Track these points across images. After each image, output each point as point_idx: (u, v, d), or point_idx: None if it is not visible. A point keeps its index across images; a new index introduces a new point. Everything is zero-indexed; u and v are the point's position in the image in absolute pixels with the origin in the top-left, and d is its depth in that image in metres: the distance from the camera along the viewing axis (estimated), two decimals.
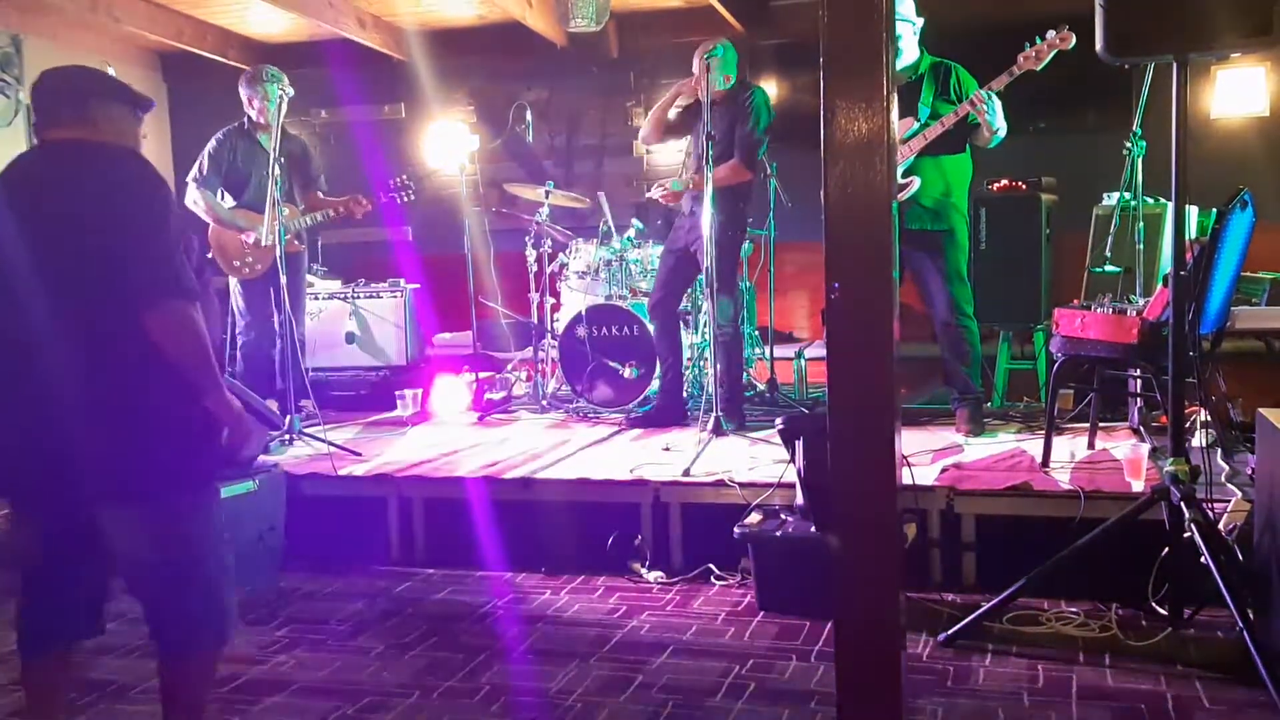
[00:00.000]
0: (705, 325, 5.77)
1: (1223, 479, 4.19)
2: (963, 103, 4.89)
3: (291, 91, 5.45)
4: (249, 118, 5.77)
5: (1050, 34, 4.69)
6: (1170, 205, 3.56)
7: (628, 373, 6.03)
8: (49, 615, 2.79)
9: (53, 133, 2.74)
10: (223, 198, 5.78)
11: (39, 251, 2.60)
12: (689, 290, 5.99)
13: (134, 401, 2.61)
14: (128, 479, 2.63)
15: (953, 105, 4.94)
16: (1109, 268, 5.40)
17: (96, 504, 2.66)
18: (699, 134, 5.16)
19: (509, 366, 7.18)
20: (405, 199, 6.09)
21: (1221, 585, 3.27)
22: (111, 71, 5.54)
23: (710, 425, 5.04)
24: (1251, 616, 3.26)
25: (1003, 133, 4.92)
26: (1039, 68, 4.74)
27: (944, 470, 4.52)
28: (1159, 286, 4.82)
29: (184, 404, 2.66)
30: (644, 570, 4.42)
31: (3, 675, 3.65)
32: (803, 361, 6.54)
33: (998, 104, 4.84)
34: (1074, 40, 4.62)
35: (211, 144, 5.75)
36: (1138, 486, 4.11)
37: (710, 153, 5.00)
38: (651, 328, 5.87)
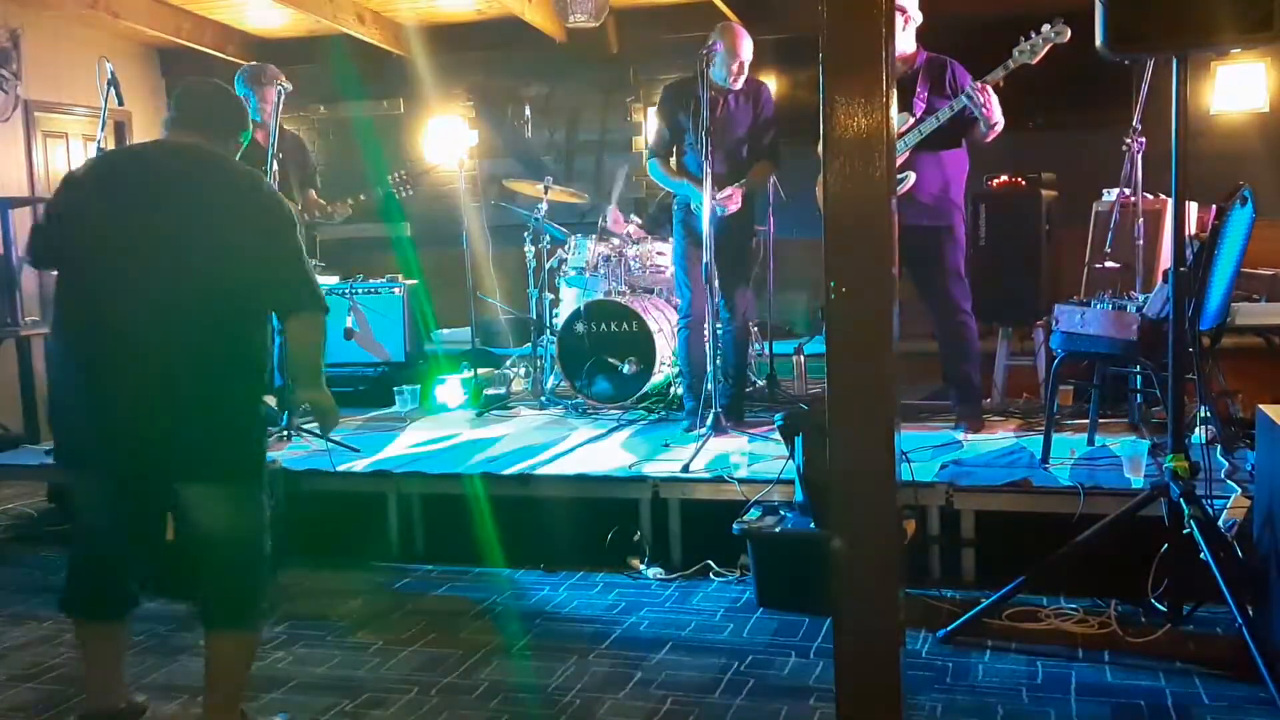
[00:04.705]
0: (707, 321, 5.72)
1: (1222, 475, 4.18)
2: (958, 98, 4.88)
3: (289, 87, 5.44)
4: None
5: (1045, 28, 4.68)
6: (1170, 201, 3.56)
7: (627, 368, 6.03)
8: (105, 583, 3.01)
9: (187, 136, 3.00)
10: None
11: (164, 242, 2.83)
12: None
13: (225, 393, 2.89)
14: (215, 459, 2.89)
15: (948, 100, 4.93)
16: (1109, 264, 5.39)
17: (183, 481, 2.91)
18: (703, 132, 5.07)
19: (508, 362, 7.19)
20: (404, 194, 6.08)
21: (1221, 582, 3.26)
22: (110, 68, 5.57)
23: (710, 422, 5.04)
24: (1251, 613, 3.26)
25: (1000, 128, 4.91)
26: (1034, 61, 4.73)
27: (943, 467, 4.51)
28: (1159, 283, 4.82)
29: (242, 392, 2.95)
30: (643, 566, 4.42)
31: (2, 672, 3.66)
32: (802, 358, 6.54)
33: (994, 98, 4.83)
34: (1069, 34, 4.62)
35: None
36: (1137, 483, 4.11)
37: (708, 147, 4.98)
38: (681, 331, 5.59)
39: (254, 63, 5.83)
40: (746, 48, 5.26)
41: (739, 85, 5.28)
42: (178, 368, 2.82)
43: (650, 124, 8.39)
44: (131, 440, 2.84)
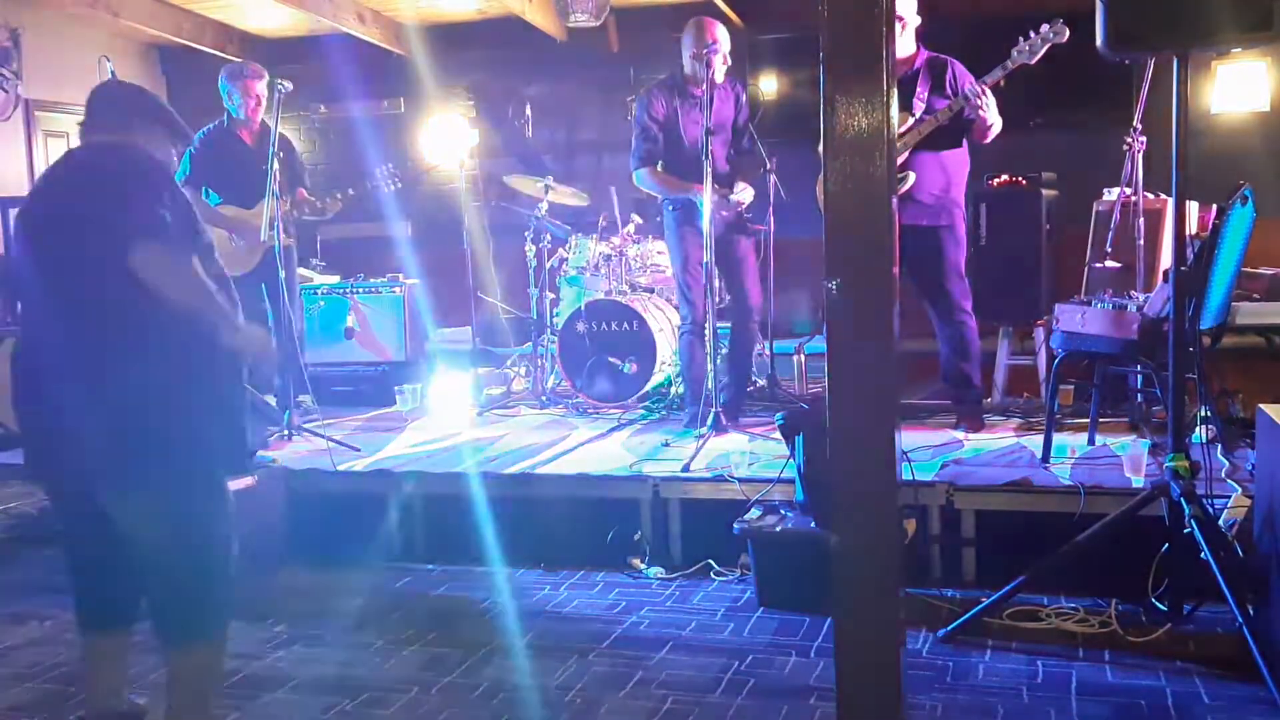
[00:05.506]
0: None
1: (1223, 475, 4.18)
2: (956, 98, 4.88)
3: (289, 86, 5.44)
4: (229, 114, 5.76)
5: (1044, 28, 4.68)
6: (1171, 200, 3.56)
7: (627, 368, 6.03)
8: (93, 595, 3.01)
9: (91, 136, 2.96)
10: (206, 196, 5.76)
11: (62, 247, 2.79)
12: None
13: (139, 393, 2.75)
14: (132, 467, 2.77)
15: (949, 100, 4.93)
16: (1109, 263, 5.39)
17: (105, 490, 2.81)
18: (702, 133, 5.07)
19: (508, 362, 7.18)
20: (391, 186, 6.08)
21: (1221, 581, 3.27)
22: (110, 67, 5.56)
23: (710, 421, 5.04)
24: (1251, 612, 3.26)
25: (997, 129, 4.91)
26: (1033, 62, 4.74)
27: (944, 466, 4.51)
28: (1159, 282, 4.82)
29: (188, 395, 2.80)
30: (643, 566, 4.42)
31: (2, 672, 3.66)
32: (802, 357, 6.54)
33: (992, 98, 4.83)
34: (1067, 34, 4.62)
35: (194, 143, 5.72)
36: (1138, 482, 4.11)
37: (708, 145, 4.98)
38: (683, 337, 5.50)
39: (242, 61, 5.84)
40: (726, 37, 5.27)
41: (721, 78, 5.27)
42: (112, 381, 2.75)
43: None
44: (76, 457, 2.78)
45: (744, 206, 5.37)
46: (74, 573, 3.05)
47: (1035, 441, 4.77)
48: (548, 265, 6.61)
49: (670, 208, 5.45)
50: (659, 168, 5.43)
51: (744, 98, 5.51)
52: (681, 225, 5.39)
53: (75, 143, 3.09)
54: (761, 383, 6.35)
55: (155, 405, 2.75)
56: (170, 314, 2.75)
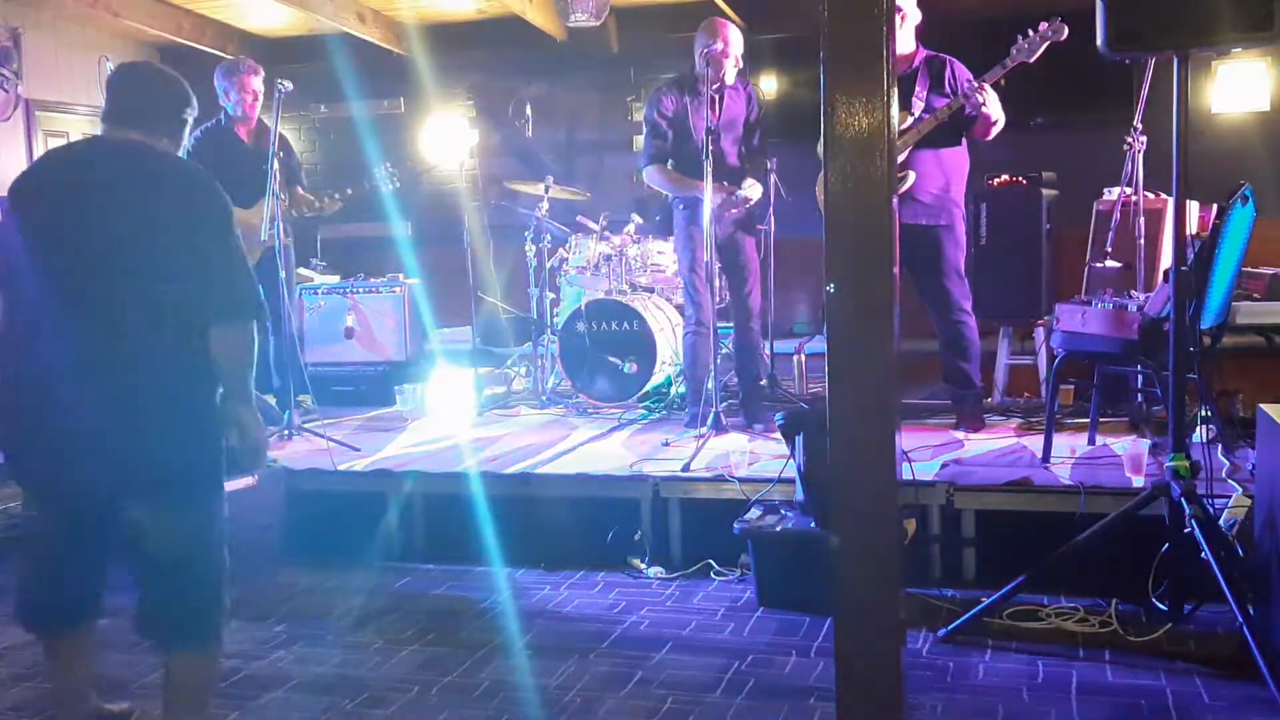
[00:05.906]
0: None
1: (1223, 474, 4.18)
2: (956, 96, 4.88)
3: (289, 86, 5.43)
4: (225, 112, 5.75)
5: (1043, 26, 4.69)
6: (1171, 200, 3.56)
7: (627, 367, 6.03)
8: (58, 596, 2.92)
9: (124, 133, 2.85)
10: None
11: (89, 242, 2.73)
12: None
13: (148, 398, 2.73)
14: (137, 473, 2.74)
15: (948, 99, 4.93)
16: (1109, 263, 5.39)
17: (109, 496, 2.77)
18: (704, 132, 5.08)
19: (508, 361, 7.18)
20: (390, 186, 6.09)
21: (1221, 581, 3.26)
22: (110, 67, 5.56)
23: (710, 421, 5.03)
24: (1251, 612, 3.26)
25: (1000, 125, 4.91)
26: (1032, 59, 4.74)
27: (944, 466, 4.51)
28: (1160, 282, 4.82)
29: (194, 403, 2.77)
30: (644, 566, 4.42)
31: (2, 672, 3.66)
32: (802, 357, 6.54)
33: (994, 96, 4.83)
34: (1066, 32, 4.62)
35: (189, 142, 5.70)
36: (1138, 482, 4.11)
37: (710, 146, 4.98)
38: (688, 338, 5.49)
39: (238, 57, 5.83)
40: (738, 40, 5.27)
41: (732, 80, 5.29)
42: (123, 381, 2.70)
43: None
44: (78, 456, 2.74)
45: (751, 203, 5.38)
46: (43, 570, 2.94)
47: (1035, 441, 4.77)
48: (548, 265, 6.62)
49: (680, 206, 5.45)
50: (668, 166, 5.44)
51: (753, 98, 5.50)
52: (689, 225, 5.38)
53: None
54: (762, 382, 6.35)
55: (165, 408, 2.74)
56: (175, 318, 2.74)
